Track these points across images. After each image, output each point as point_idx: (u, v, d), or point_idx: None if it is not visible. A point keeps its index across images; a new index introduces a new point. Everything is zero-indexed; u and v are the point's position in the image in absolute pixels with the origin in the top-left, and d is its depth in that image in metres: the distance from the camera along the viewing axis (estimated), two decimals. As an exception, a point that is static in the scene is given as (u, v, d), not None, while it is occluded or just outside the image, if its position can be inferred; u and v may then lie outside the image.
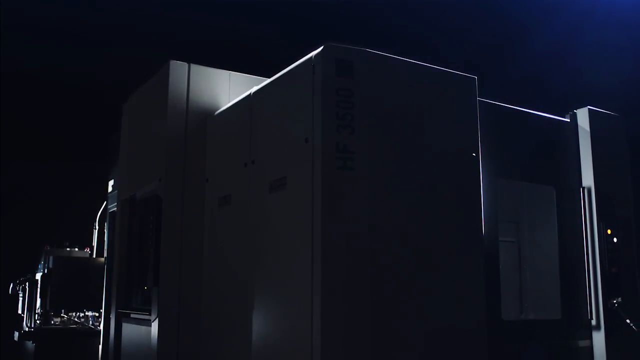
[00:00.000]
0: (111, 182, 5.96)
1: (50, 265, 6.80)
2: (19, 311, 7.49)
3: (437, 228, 3.28)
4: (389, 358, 3.02)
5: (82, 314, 7.10)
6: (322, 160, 3.00)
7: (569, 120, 4.21)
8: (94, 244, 7.43)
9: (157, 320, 4.06)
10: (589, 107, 4.17)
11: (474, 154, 3.47)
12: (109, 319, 5.16)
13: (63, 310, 7.08)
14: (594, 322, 3.95)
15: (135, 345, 4.60)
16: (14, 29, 6.56)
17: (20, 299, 7.46)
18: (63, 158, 9.85)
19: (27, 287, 7.13)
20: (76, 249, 7.61)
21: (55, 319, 7.03)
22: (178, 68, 4.30)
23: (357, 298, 2.97)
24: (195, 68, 4.35)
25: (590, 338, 3.95)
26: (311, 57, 3.20)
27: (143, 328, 4.36)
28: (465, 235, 3.37)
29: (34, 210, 9.83)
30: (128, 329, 4.80)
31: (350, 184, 3.03)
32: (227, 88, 4.43)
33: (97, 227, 7.39)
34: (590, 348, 3.94)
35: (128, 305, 4.90)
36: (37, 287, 6.92)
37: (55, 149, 9.70)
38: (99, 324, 6.10)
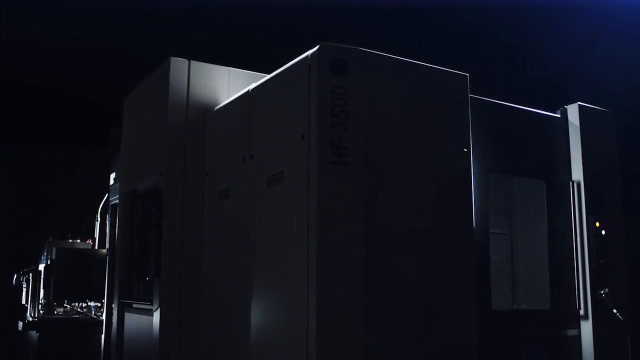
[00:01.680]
0: (113, 175, 6.05)
1: (53, 257, 6.88)
2: (23, 302, 7.58)
3: (429, 221, 3.38)
4: (382, 347, 3.14)
5: (84, 304, 7.19)
6: (317, 156, 3.10)
7: (559, 116, 4.31)
8: (96, 235, 7.52)
9: (158, 310, 4.17)
10: (579, 103, 4.26)
11: (465, 149, 3.57)
12: (112, 309, 5.26)
13: (66, 301, 7.18)
14: (582, 312, 4.05)
15: (137, 335, 4.71)
16: (15, 24, 6.62)
17: (24, 289, 7.55)
18: (64, 151, 9.93)
19: (30, 278, 7.22)
20: (78, 241, 7.69)
21: (59, 309, 7.12)
22: (178, 64, 4.39)
23: (352, 289, 3.08)
24: (195, 64, 4.43)
25: (579, 327, 4.05)
26: (307, 56, 3.29)
27: (145, 318, 4.46)
28: (456, 227, 3.47)
29: (36, 202, 9.92)
30: (130, 318, 4.91)
31: (345, 178, 3.13)
32: (227, 84, 4.51)
33: (98, 219, 7.47)
34: (578, 337, 4.04)
35: (130, 295, 5.00)
36: (40, 278, 7.01)
37: (57, 143, 9.77)
38: (101, 314, 6.19)
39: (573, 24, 6.24)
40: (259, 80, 3.90)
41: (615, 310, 4.00)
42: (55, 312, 7.06)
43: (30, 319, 7.01)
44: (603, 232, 4.14)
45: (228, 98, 4.35)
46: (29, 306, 7.20)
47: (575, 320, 4.07)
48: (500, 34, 6.52)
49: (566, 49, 6.46)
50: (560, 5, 6.13)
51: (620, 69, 6.11)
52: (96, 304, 7.01)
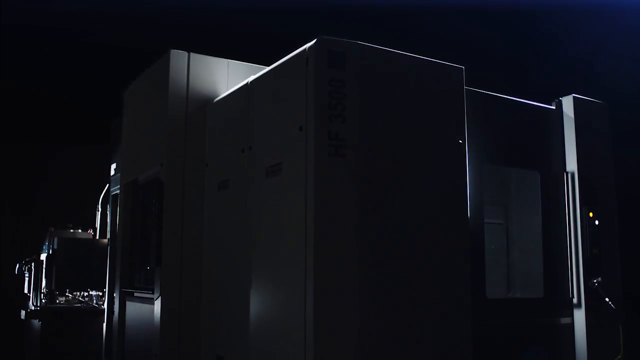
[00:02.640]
0: (113, 166, 6.11)
1: (55, 246, 6.97)
2: (25, 291, 7.66)
3: (423, 210, 3.45)
4: (377, 334, 3.21)
5: (86, 293, 7.28)
6: (314, 148, 3.16)
7: (554, 108, 4.36)
8: (97, 225, 7.59)
9: (159, 299, 4.24)
10: (573, 95, 4.32)
11: (460, 141, 3.63)
12: (113, 297, 5.33)
13: (68, 290, 7.26)
14: (575, 300, 4.13)
15: (139, 323, 4.78)
16: (14, 13, 6.64)
17: (26, 279, 7.63)
18: (65, 141, 9.97)
19: (32, 267, 7.30)
20: (79, 231, 7.77)
21: (60, 298, 7.20)
22: (178, 57, 4.43)
23: (347, 277, 3.15)
24: (194, 57, 4.47)
25: (572, 316, 4.13)
26: (305, 49, 3.34)
27: (146, 306, 4.53)
28: (450, 217, 3.54)
29: (38, 192, 9.98)
30: (132, 307, 4.97)
31: (341, 169, 3.19)
32: (226, 76, 4.56)
33: (99, 209, 7.54)
34: (572, 325, 4.12)
35: (131, 284, 5.07)
36: (42, 267, 7.09)
37: (57, 133, 9.81)
38: (103, 303, 6.26)
39: (576, 23, 6.28)
40: (258, 72, 3.95)
41: (607, 299, 4.07)
42: (57, 301, 7.15)
43: (33, 308, 7.09)
44: (597, 222, 4.21)
45: (227, 90, 4.40)
46: (31, 295, 7.28)
47: (569, 309, 4.14)
48: (504, 33, 6.56)
49: (568, 47, 6.51)
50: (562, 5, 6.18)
51: (616, 62, 6.16)
52: (97, 293, 7.10)
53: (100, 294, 7.00)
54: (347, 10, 6.22)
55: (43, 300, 7.06)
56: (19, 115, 9.15)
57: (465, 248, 3.57)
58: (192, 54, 4.47)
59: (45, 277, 7.05)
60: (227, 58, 4.60)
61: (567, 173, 4.25)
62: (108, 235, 6.06)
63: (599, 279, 4.11)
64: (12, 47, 7.12)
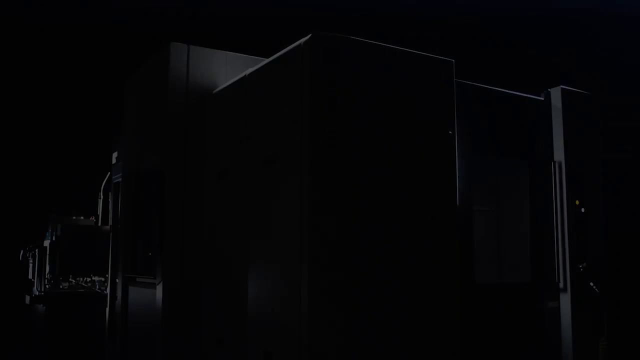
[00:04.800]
0: (115, 154, 6.21)
1: (58, 233, 7.10)
2: (30, 276, 7.79)
3: (414, 198, 3.58)
4: (367, 315, 3.35)
5: (89, 279, 7.42)
6: (309, 139, 3.30)
7: (543, 99, 4.47)
8: (99, 212, 7.71)
9: (161, 284, 4.38)
10: (562, 86, 4.43)
11: (450, 132, 3.76)
12: (116, 283, 5.46)
13: (71, 275, 7.40)
14: (561, 285, 4.26)
15: (141, 307, 4.91)
16: (13, 9, 6.70)
17: (31, 265, 7.76)
18: (66, 132, 10.05)
19: (36, 253, 7.42)
20: (82, 218, 7.89)
21: (64, 284, 7.34)
22: (178, 49, 4.54)
23: (341, 264, 3.29)
24: (194, 49, 4.58)
25: (558, 299, 4.27)
26: (300, 44, 3.46)
27: (148, 291, 4.66)
28: (439, 205, 3.67)
29: (41, 181, 10.09)
30: (134, 292, 5.11)
31: (335, 160, 3.32)
32: (224, 68, 4.67)
33: (101, 197, 7.66)
34: (558, 309, 4.26)
35: (133, 270, 5.19)
36: (46, 253, 7.22)
37: (57, 125, 9.89)
38: (105, 288, 6.40)
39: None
40: (255, 64, 4.06)
41: (592, 284, 4.21)
42: (61, 287, 7.28)
43: (37, 293, 7.23)
44: (582, 209, 4.33)
45: (226, 81, 4.51)
46: (35, 281, 7.41)
47: (555, 293, 4.27)
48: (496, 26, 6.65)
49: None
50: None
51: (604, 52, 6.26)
52: (100, 278, 7.23)
53: (103, 279, 7.14)
54: (343, 5, 6.30)
55: (47, 286, 7.19)
56: (19, 111, 9.23)
57: (452, 234, 3.70)
58: (191, 47, 4.57)
59: (48, 263, 7.18)
60: (225, 49, 4.70)
61: (554, 162, 4.36)
62: (110, 222, 6.17)
63: (584, 264, 4.24)
64: (10, 44, 7.19)
